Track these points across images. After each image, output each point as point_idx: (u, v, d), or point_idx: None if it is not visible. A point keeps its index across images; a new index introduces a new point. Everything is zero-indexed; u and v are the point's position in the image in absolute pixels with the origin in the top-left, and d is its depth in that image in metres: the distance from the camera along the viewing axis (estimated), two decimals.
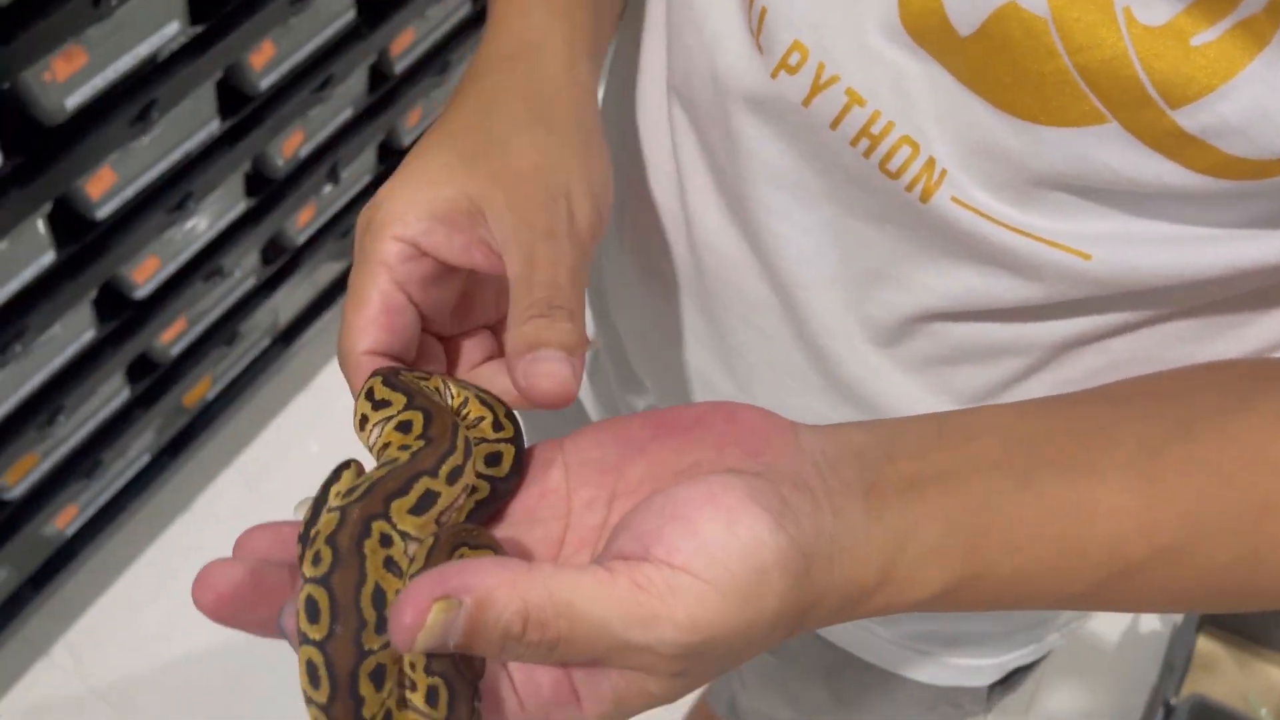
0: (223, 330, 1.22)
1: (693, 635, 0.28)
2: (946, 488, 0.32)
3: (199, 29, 0.95)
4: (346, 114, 1.21)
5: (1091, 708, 1.35)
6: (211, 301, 1.19)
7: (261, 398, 1.39)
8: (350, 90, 1.19)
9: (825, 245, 0.44)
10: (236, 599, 0.30)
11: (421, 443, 0.32)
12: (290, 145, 1.15)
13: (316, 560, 0.28)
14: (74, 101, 0.87)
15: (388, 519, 0.30)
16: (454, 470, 0.31)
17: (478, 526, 0.33)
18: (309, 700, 0.28)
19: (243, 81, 1.04)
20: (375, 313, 0.35)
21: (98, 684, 1.23)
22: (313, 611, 0.28)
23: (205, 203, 1.07)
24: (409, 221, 0.35)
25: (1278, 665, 1.32)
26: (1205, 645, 1.34)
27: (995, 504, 0.32)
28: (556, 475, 0.34)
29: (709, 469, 0.31)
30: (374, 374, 0.35)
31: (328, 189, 1.25)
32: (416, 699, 0.28)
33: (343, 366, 0.36)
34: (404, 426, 0.33)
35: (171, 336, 1.15)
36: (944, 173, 0.38)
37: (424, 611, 0.26)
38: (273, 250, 1.25)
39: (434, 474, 0.31)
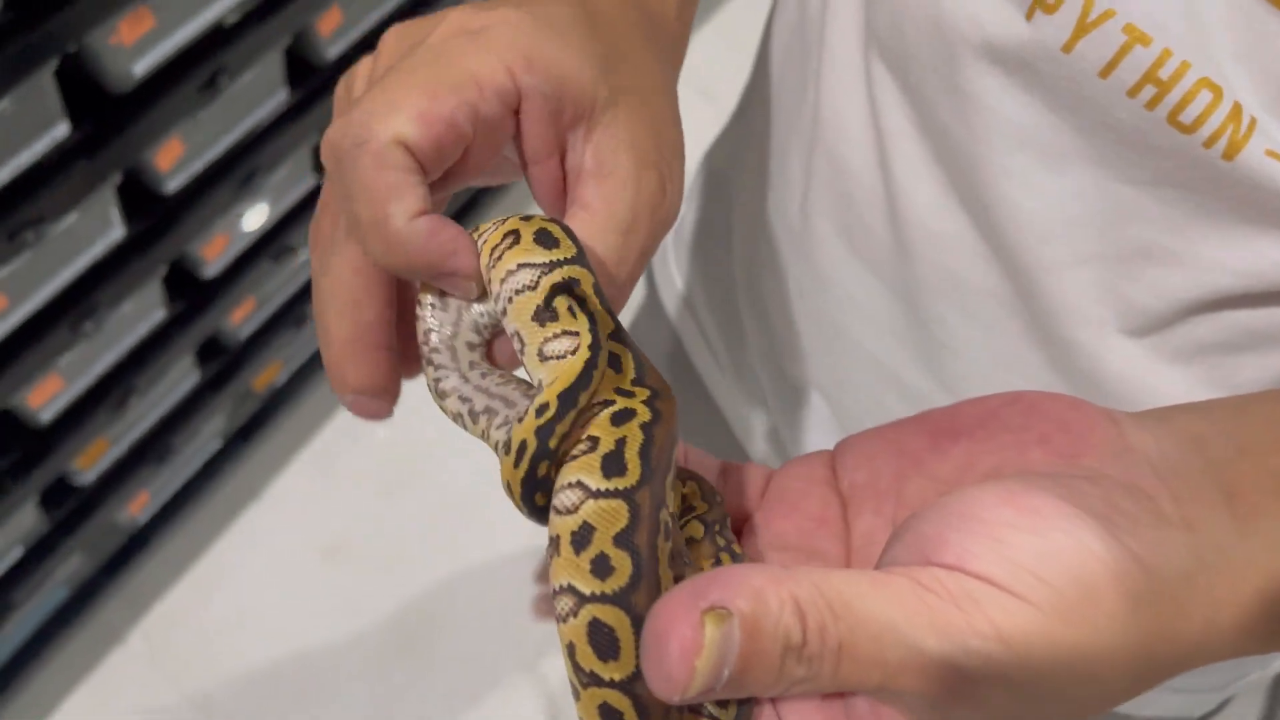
0: (293, 312, 1.19)
1: (1005, 650, 0.21)
2: None
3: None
4: (281, 95, 1.18)
5: None
6: (280, 281, 1.16)
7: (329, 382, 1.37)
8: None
9: (1080, 218, 0.36)
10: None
11: (647, 392, 0.26)
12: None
13: (602, 569, 0.23)
14: (142, 67, 0.84)
15: (669, 509, 0.24)
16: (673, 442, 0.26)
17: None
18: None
19: (310, 50, 1.01)
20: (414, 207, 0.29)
21: (172, 670, 1.22)
22: (605, 644, 0.22)
23: (272, 178, 1.04)
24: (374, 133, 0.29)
25: None
26: None
27: None
28: (831, 502, 0.28)
29: (1012, 475, 0.24)
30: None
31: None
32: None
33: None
34: (615, 362, 0.27)
35: (241, 317, 1.13)
36: (1253, 121, 0.31)
37: (696, 635, 0.20)
38: None
39: (675, 441, 0.26)
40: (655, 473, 0.24)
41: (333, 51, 1.02)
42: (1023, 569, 0.21)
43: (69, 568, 1.09)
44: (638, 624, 0.22)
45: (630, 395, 0.25)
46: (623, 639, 0.22)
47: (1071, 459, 0.24)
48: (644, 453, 0.24)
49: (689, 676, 0.20)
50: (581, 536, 0.23)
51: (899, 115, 0.40)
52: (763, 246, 0.50)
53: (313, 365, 1.30)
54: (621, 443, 0.24)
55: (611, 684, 0.22)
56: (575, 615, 0.22)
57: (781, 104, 0.47)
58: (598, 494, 0.23)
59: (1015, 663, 0.21)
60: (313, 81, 1.02)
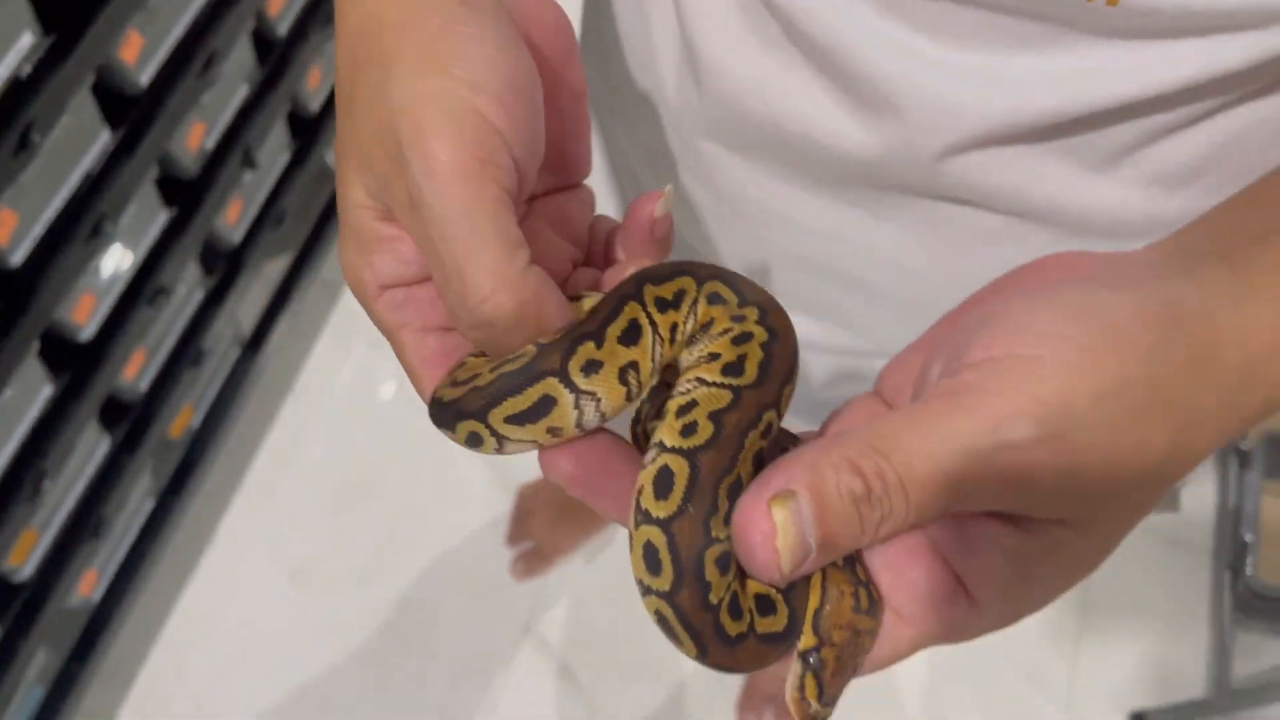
0: (186, 352, 1.15)
1: (1043, 413, 0.22)
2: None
3: (53, 38, 0.87)
4: (243, 92, 1.13)
5: None
6: (164, 324, 1.12)
7: (250, 412, 1.33)
8: (237, 65, 1.11)
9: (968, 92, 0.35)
10: (593, 468, 0.27)
11: (754, 310, 0.28)
12: (194, 138, 1.07)
13: (690, 430, 0.25)
14: None
15: (778, 411, 0.27)
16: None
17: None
18: (646, 589, 0.25)
19: (120, 82, 0.96)
20: (427, 375, 0.30)
21: None
22: (664, 486, 0.25)
23: (122, 220, 0.99)
24: (364, 278, 0.30)
25: None
26: None
27: None
28: (879, 408, 0.30)
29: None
30: (710, 272, 0.29)
31: (248, 176, 1.17)
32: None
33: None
34: (715, 298, 0.29)
35: (135, 371, 1.09)
36: None
37: (770, 528, 0.23)
38: (211, 255, 1.18)
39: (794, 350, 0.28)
40: (768, 380, 0.26)
41: (144, 77, 0.98)
42: (1045, 333, 0.22)
43: (37, 666, 1.06)
44: (694, 475, 0.25)
45: (743, 319, 0.28)
46: (676, 483, 0.25)
47: (1072, 273, 0.26)
48: (763, 365, 0.26)
49: (775, 557, 0.23)
50: (685, 407, 0.26)
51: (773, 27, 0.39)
52: (661, 179, 0.49)
53: (225, 399, 1.26)
54: (743, 357, 0.27)
55: (656, 522, 0.25)
56: (651, 464, 0.26)
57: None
58: (711, 384, 0.27)
59: (1063, 415, 0.22)
60: (133, 113, 0.98)
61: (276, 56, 1.16)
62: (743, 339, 0.27)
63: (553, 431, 0.27)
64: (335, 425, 1.38)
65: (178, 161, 1.06)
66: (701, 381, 0.27)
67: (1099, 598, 1.26)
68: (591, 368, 0.26)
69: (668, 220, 0.29)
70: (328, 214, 1.39)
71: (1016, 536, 0.24)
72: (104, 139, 0.95)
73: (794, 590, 0.26)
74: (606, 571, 1.29)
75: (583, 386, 0.26)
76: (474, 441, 0.28)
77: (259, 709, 1.21)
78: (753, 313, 0.28)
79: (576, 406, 0.26)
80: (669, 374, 0.29)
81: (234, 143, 1.12)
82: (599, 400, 0.26)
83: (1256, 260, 0.25)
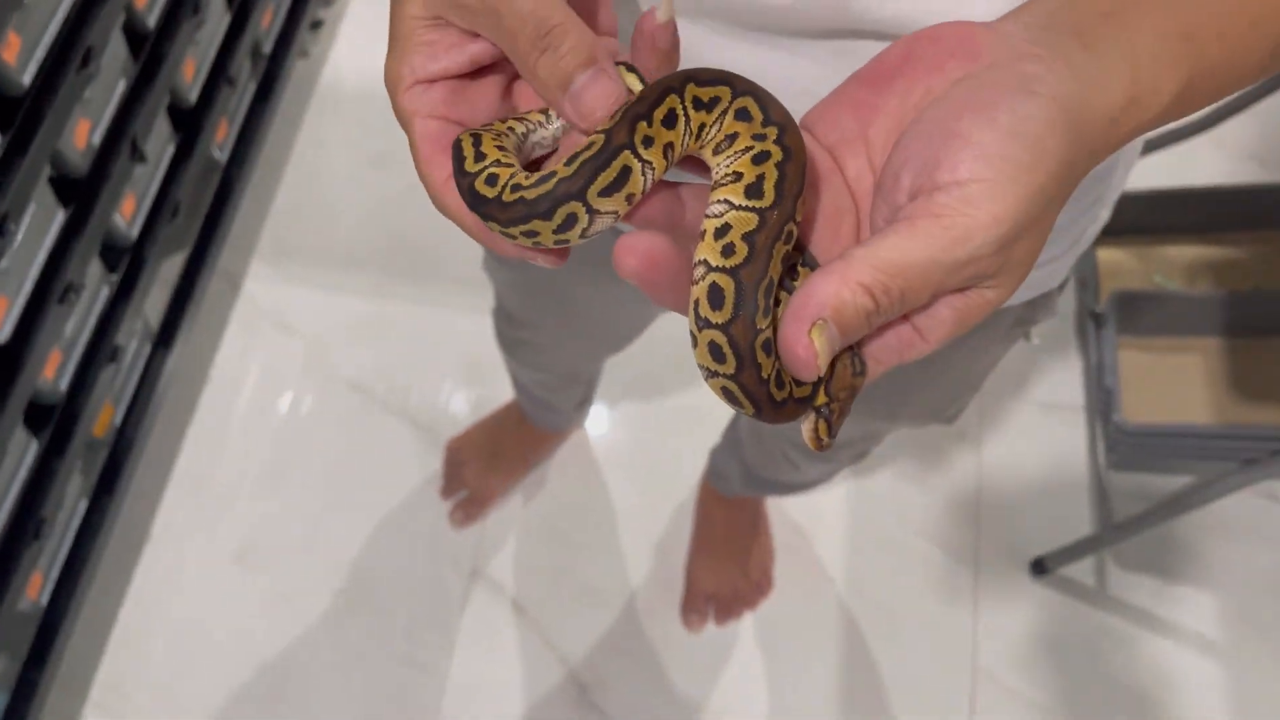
0: (101, 350, 1.17)
1: (1002, 226, 0.31)
2: (1136, 4, 0.34)
3: None
4: (121, 86, 1.14)
5: (1029, 366, 1.45)
6: (76, 324, 1.13)
7: (169, 405, 1.35)
8: (114, 60, 1.12)
9: None
10: (667, 266, 0.33)
11: (775, 130, 0.33)
12: (80, 135, 1.08)
13: (729, 251, 0.32)
14: None
15: (795, 220, 0.33)
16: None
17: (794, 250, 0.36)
18: (715, 374, 0.33)
19: (3, 83, 0.97)
20: (426, 148, 0.36)
21: None
22: (717, 298, 0.32)
23: (24, 219, 1.00)
24: (402, 75, 0.37)
25: (1170, 244, 1.43)
26: (1106, 255, 1.44)
27: (1185, 4, 0.34)
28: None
29: (942, 90, 0.33)
30: (682, 77, 0.34)
31: (139, 171, 1.19)
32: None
33: (440, 208, 0.37)
34: (742, 114, 0.34)
35: (53, 371, 1.10)
36: None
37: (810, 344, 0.31)
38: (111, 252, 1.19)
39: (805, 163, 0.34)
40: (784, 199, 0.33)
41: (26, 77, 0.99)
42: (993, 156, 0.31)
43: None
44: (739, 288, 0.32)
45: (763, 138, 0.33)
46: (727, 296, 0.32)
47: (974, 60, 0.33)
48: (778, 186, 0.33)
49: (815, 363, 0.31)
50: (721, 230, 0.33)
51: None
52: None
53: (143, 395, 1.27)
54: (761, 177, 0.33)
55: (717, 326, 0.32)
56: (702, 280, 0.33)
57: None
58: (739, 208, 0.33)
59: (1012, 227, 0.31)
60: (20, 113, 0.98)
61: (149, 49, 1.17)
62: (761, 158, 0.33)
63: (629, 198, 0.33)
64: (256, 409, 1.40)
65: (68, 159, 1.08)
66: (730, 205, 0.33)
67: (993, 469, 1.39)
68: (647, 142, 0.33)
69: (670, 28, 0.34)
70: (217, 206, 1.40)
71: (963, 300, 0.34)
72: None
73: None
74: (545, 509, 1.36)
75: (645, 156, 0.33)
76: (567, 225, 0.33)
77: (222, 690, 1.24)
78: (772, 132, 0.33)
79: (643, 174, 0.33)
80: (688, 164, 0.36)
81: (120, 137, 1.13)
82: (654, 168, 0.33)
83: (1106, 40, 0.33)
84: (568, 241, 0.34)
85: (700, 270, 0.33)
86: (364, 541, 1.33)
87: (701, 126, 0.34)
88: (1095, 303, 1.38)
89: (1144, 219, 1.42)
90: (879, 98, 0.35)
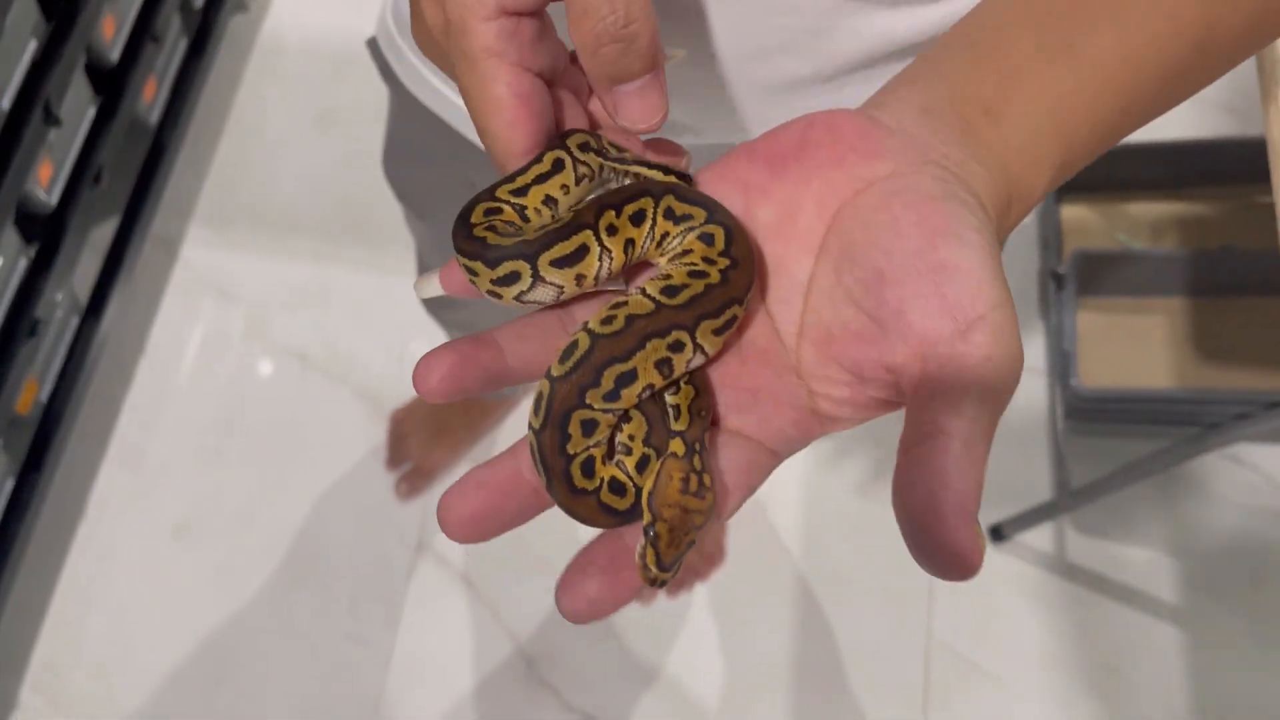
0: (19, 324, 1.12)
1: (928, 363, 0.30)
2: (1016, 95, 0.33)
3: None
4: (32, 47, 1.09)
5: None
6: None
7: (101, 378, 1.31)
8: (22, 19, 1.06)
9: None
10: (481, 518, 0.31)
11: (727, 261, 0.32)
12: None
13: (607, 322, 0.31)
14: None
15: (691, 332, 0.31)
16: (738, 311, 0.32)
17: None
18: (530, 425, 0.31)
19: None
20: (514, 110, 0.33)
21: (80, 709, 1.19)
22: (568, 353, 0.31)
23: None
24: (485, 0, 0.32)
25: (1135, 200, 1.39)
26: (1069, 212, 1.40)
27: (1059, 91, 0.33)
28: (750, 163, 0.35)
29: (846, 186, 0.32)
30: (664, 188, 0.34)
31: (53, 134, 1.13)
32: (629, 462, 0.32)
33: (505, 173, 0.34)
34: (707, 238, 0.33)
35: None
36: None
37: (975, 534, 0.29)
38: (29, 222, 1.14)
39: (741, 303, 0.32)
40: (693, 307, 0.32)
41: None
42: (964, 311, 0.30)
43: None
44: (589, 352, 0.31)
45: (712, 262, 0.33)
46: (576, 354, 0.31)
47: (874, 158, 0.32)
48: (696, 298, 0.32)
49: (978, 557, 0.29)
50: (616, 306, 0.32)
51: None
52: None
53: (71, 370, 1.23)
54: (684, 287, 0.32)
55: (550, 376, 0.31)
56: (574, 334, 0.32)
57: None
58: (644, 295, 0.32)
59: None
60: None
61: (62, 6, 1.11)
62: (697, 275, 0.32)
63: (579, 279, 0.32)
64: (193, 380, 1.36)
65: None
66: (641, 291, 0.32)
67: None
68: (610, 230, 0.32)
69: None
70: (149, 170, 1.35)
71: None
72: None
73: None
74: None
75: (606, 243, 0.32)
76: (507, 281, 0.32)
77: (162, 668, 1.21)
78: (724, 261, 0.32)
79: (600, 259, 0.32)
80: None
81: (31, 101, 1.08)
82: (612, 258, 0.32)
83: (990, 143, 0.33)
84: (499, 297, 0.33)
85: (577, 328, 0.32)
86: (306, 515, 1.30)
87: (665, 235, 0.33)
88: (1057, 262, 1.34)
89: (1109, 174, 1.37)
90: (773, 181, 0.33)
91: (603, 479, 0.32)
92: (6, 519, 1.15)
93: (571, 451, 0.31)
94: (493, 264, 0.32)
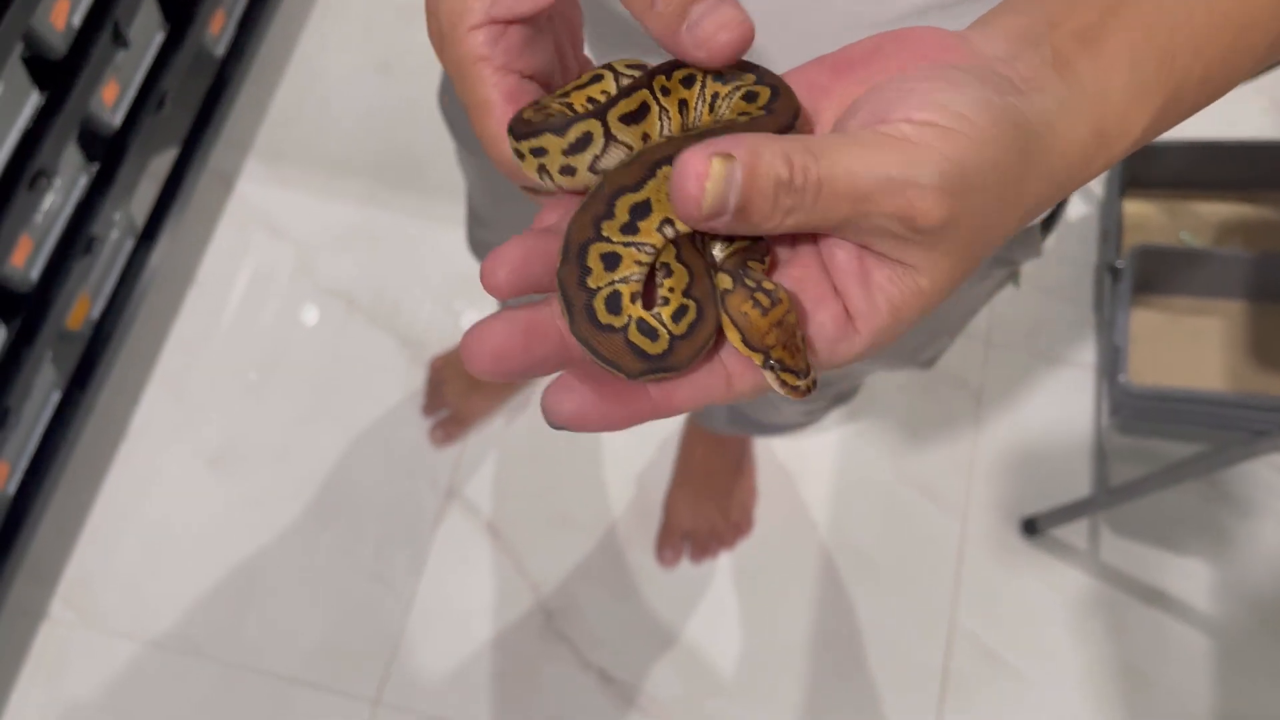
0: (76, 240, 1.14)
1: (948, 168, 0.28)
2: (1118, 25, 0.32)
3: None
4: None
5: (1040, 318, 1.38)
6: (49, 212, 1.11)
7: (152, 302, 1.33)
8: None
9: None
10: (509, 354, 0.30)
11: (763, 112, 0.31)
12: (58, 15, 1.04)
13: (622, 165, 0.30)
14: None
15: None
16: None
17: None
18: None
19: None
20: (503, 110, 0.33)
21: (108, 624, 1.22)
22: (588, 193, 0.30)
23: None
24: (472, 7, 0.33)
25: (1200, 200, 1.35)
26: (1132, 207, 1.37)
27: (1165, 13, 0.32)
28: None
29: None
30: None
31: (120, 55, 1.15)
32: (665, 312, 0.30)
33: (509, 176, 0.34)
34: (750, 97, 0.32)
35: (23, 259, 1.08)
36: None
37: (705, 171, 0.26)
38: (91, 141, 1.16)
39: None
40: (711, 132, 0.30)
41: None
42: (954, 110, 0.29)
43: None
44: (600, 186, 0.30)
45: (756, 97, 0.32)
46: (587, 194, 0.30)
47: (945, 64, 0.31)
48: (718, 126, 0.31)
49: (701, 194, 0.27)
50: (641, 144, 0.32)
51: None
52: None
53: (123, 291, 1.25)
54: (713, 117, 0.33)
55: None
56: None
57: None
58: (666, 138, 0.32)
59: (957, 176, 0.28)
60: None
61: None
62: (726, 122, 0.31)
63: (644, 137, 0.32)
64: (241, 312, 1.38)
65: (45, 39, 1.04)
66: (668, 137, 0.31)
67: (992, 420, 1.34)
68: (665, 92, 0.33)
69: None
70: (211, 101, 1.36)
71: (895, 288, 0.30)
72: None
73: (684, 339, 0.30)
74: (527, 431, 1.33)
75: (662, 102, 0.33)
76: (579, 146, 0.31)
77: (191, 593, 1.24)
78: (760, 112, 0.31)
79: (659, 118, 0.32)
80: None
81: (102, 20, 1.09)
82: (670, 117, 0.33)
83: (1082, 69, 0.31)
84: (574, 170, 0.32)
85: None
86: (340, 454, 1.31)
87: (715, 96, 0.33)
88: (1115, 256, 1.31)
89: (1176, 171, 1.34)
90: (836, 82, 0.33)
91: (631, 317, 0.30)
92: (50, 432, 1.17)
93: (593, 285, 0.29)
94: (562, 130, 0.31)
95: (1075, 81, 0.31)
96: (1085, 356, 1.37)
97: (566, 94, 0.34)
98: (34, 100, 1.04)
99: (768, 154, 0.27)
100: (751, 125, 0.30)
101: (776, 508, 1.29)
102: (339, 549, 1.26)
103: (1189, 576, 1.25)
